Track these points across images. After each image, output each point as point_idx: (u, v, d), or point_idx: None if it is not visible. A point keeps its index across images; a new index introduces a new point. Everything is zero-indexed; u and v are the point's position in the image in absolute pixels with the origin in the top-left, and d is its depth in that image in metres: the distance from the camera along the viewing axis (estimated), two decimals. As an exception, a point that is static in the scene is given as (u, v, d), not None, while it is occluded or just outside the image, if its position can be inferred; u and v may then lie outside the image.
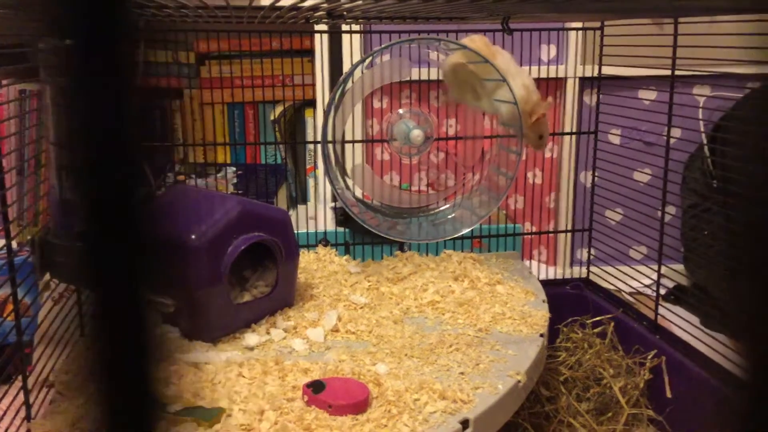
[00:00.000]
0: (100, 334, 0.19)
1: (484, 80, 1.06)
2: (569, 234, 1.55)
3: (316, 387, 0.75)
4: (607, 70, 1.32)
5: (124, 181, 0.18)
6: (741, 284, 0.18)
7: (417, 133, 1.10)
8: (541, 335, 0.94)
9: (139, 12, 0.89)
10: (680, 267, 1.46)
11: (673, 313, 1.21)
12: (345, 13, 0.90)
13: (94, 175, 0.18)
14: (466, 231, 1.13)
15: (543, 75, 1.52)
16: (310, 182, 1.59)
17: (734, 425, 0.19)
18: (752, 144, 0.19)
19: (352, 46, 1.45)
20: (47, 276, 0.80)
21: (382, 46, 0.98)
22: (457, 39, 1.06)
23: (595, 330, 1.24)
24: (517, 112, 1.04)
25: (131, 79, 0.18)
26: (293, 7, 0.80)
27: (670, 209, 1.16)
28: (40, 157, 1.22)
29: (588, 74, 1.53)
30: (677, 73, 1.12)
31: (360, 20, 1.04)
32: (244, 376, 0.79)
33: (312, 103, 1.55)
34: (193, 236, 0.86)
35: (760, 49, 0.94)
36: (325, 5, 0.82)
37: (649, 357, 1.13)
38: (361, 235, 1.28)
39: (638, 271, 1.27)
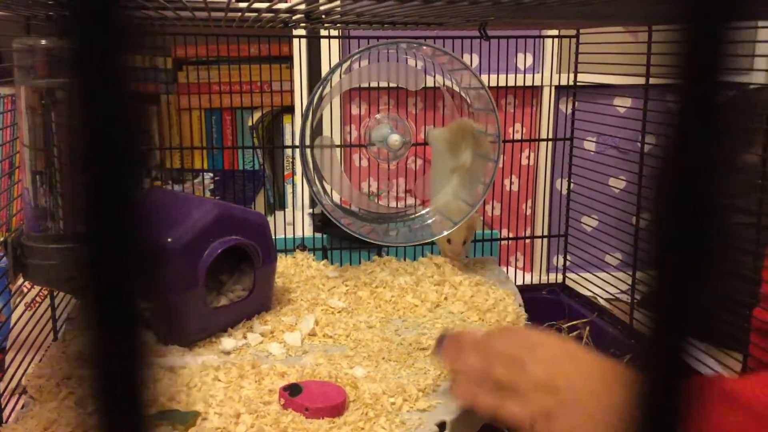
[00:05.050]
0: (91, 335, 0.19)
1: (477, 131, 1.07)
2: (545, 240, 1.56)
3: (292, 390, 0.74)
4: (582, 78, 1.34)
5: (121, 182, 0.18)
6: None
7: (395, 138, 1.11)
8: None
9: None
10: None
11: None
12: (323, 16, 0.90)
13: (93, 176, 0.18)
14: (443, 235, 1.14)
15: (519, 83, 1.53)
16: (288, 188, 1.59)
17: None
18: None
19: (330, 52, 1.45)
20: (20, 279, 0.79)
21: (361, 48, 0.98)
22: (434, 44, 1.07)
23: (571, 334, 1.25)
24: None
25: (128, 80, 0.18)
26: (271, 9, 0.80)
27: (645, 216, 1.17)
28: (14, 159, 1.20)
29: (564, 82, 1.55)
30: (651, 81, 1.14)
31: (338, 24, 1.05)
32: (220, 380, 0.79)
33: (290, 110, 1.55)
34: (169, 239, 0.85)
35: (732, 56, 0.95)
36: (302, 6, 0.82)
37: (625, 360, 1.14)
38: (338, 240, 1.28)
39: (614, 276, 1.28)
